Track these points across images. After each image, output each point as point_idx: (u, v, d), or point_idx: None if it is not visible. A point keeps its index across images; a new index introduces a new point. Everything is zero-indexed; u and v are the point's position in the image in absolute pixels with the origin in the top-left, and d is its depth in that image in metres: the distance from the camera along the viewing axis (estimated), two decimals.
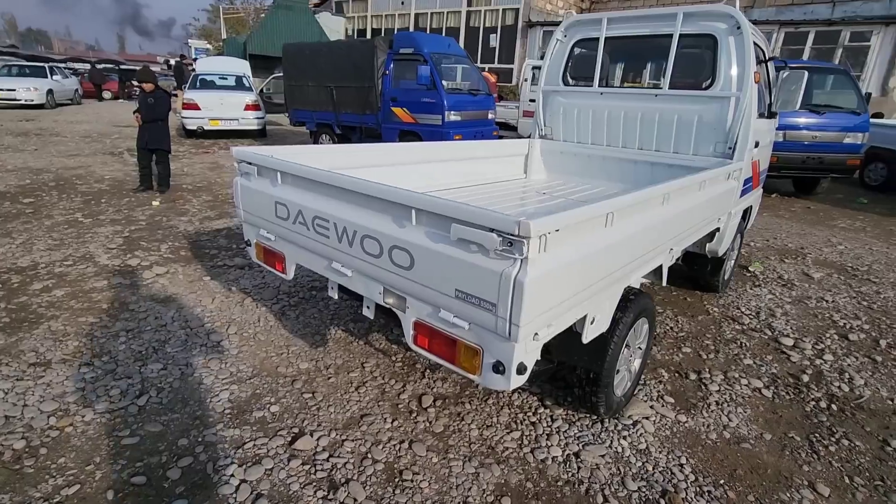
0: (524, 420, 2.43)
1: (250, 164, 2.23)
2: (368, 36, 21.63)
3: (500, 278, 1.32)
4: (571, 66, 3.99)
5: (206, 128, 11.28)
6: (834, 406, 2.69)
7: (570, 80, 4.02)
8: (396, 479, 2.03)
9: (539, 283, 1.31)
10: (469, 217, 1.36)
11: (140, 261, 4.16)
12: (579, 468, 2.14)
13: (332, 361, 2.84)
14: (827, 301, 4.08)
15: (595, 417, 2.44)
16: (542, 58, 15.73)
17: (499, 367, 1.44)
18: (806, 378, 2.94)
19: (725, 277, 4.06)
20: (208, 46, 31.21)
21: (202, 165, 8.58)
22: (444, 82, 7.98)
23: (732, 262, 4.16)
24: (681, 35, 3.32)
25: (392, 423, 2.37)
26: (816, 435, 2.45)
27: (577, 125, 4.05)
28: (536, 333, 1.43)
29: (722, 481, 2.12)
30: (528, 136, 8.74)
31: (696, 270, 3.89)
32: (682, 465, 2.19)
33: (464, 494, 1.98)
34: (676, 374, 2.91)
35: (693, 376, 2.89)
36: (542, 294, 1.35)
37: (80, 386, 2.49)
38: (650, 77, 3.96)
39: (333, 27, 21.95)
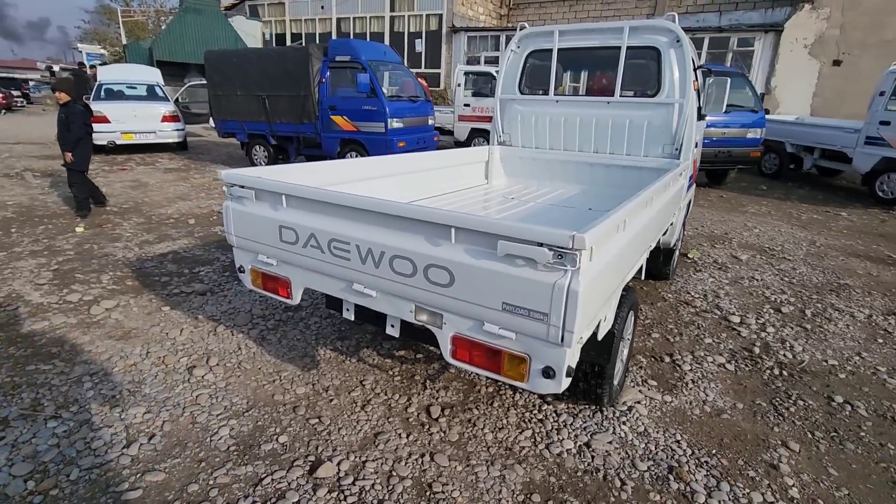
0: (531, 418, 2.54)
1: (246, 187, 2.13)
2: (288, 41, 20.90)
3: (553, 289, 1.41)
4: (527, 76, 4.18)
5: (117, 142, 10.35)
6: (784, 372, 3.07)
7: (527, 89, 4.22)
8: (427, 493, 2.05)
9: (588, 291, 1.41)
10: (517, 233, 1.43)
11: (81, 295, 3.77)
12: (593, 457, 2.29)
13: (329, 383, 2.78)
14: (757, 280, 4.62)
15: (594, 408, 2.61)
16: (468, 62, 16.03)
17: (549, 372, 1.52)
18: (757, 350, 3.33)
19: (674, 266, 4.46)
20: (103, 52, 28.42)
21: (122, 184, 7.87)
22: (383, 89, 7.95)
23: (678, 251, 4.58)
24: (628, 47, 3.61)
25: (408, 437, 2.37)
26: (777, 399, 2.80)
27: (534, 131, 4.25)
28: (581, 337, 1.54)
29: (714, 451, 2.36)
30: (467, 141, 8.70)
31: (651, 261, 4.24)
32: (678, 442, 2.41)
33: (496, 498, 2.04)
34: (653, 359, 3.17)
35: (667, 359, 3.17)
36: (590, 300, 1.45)
37: (54, 442, 2.24)
38: (602, 85, 4.25)
39: (249, 31, 20.96)
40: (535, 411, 2.59)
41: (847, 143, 8.26)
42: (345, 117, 8.21)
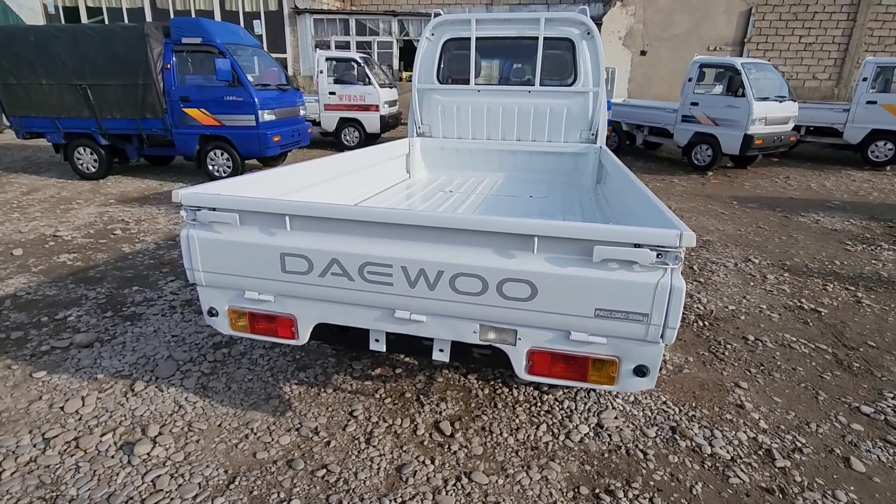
0: (539, 412, 2.55)
1: (221, 210, 1.66)
2: (84, 18, 17.14)
3: (656, 289, 1.40)
4: (445, 65, 4.08)
5: None
6: (706, 322, 3.60)
7: (445, 78, 4.12)
8: None
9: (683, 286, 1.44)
10: (617, 237, 1.38)
11: None
12: (610, 436, 2.40)
13: (314, 423, 2.42)
14: None
15: (586, 389, 2.73)
16: (317, 47, 15.10)
17: (643, 371, 1.52)
18: None
19: None
20: None
21: None
22: (249, 77, 7.05)
23: None
24: (545, 38, 3.75)
25: (433, 463, 2.19)
26: (713, 347, 3.27)
27: (456, 121, 4.19)
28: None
29: (694, 404, 2.67)
30: (336, 131, 8.21)
31: None
32: (665, 402, 2.66)
33: (547, 500, 2.01)
34: None
35: None
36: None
37: None
38: (522, 74, 4.36)
39: (24, 2, 16.60)
40: (539, 404, 2.61)
41: (668, 121, 9.91)
42: (203, 110, 7.09)
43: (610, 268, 1.43)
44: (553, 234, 1.44)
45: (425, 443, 2.32)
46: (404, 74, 15.73)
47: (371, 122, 10.64)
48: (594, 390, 2.71)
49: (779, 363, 3.09)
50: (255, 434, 2.33)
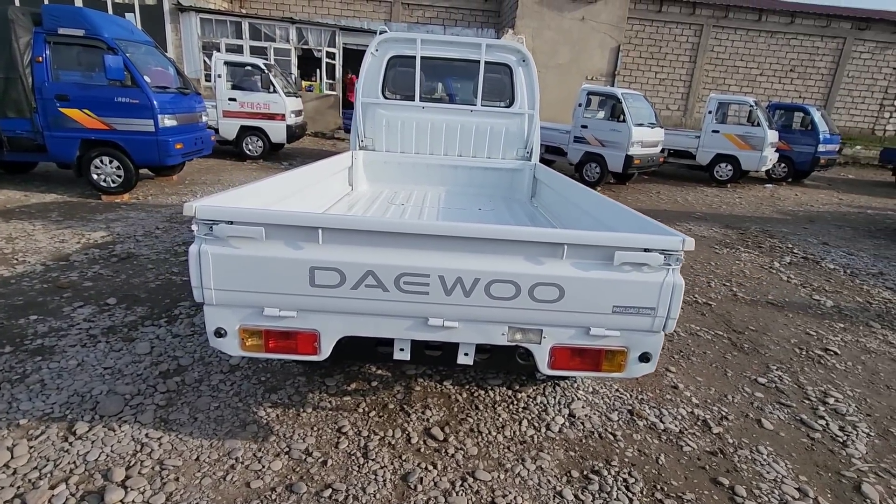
0: (517, 409, 2.75)
1: (242, 224, 1.56)
2: None
3: (661, 286, 1.66)
4: (389, 81, 4.16)
5: None
6: None
7: (390, 94, 4.20)
8: None
9: None
10: (635, 243, 1.61)
11: None
12: (582, 423, 2.67)
13: (303, 445, 2.33)
14: None
15: (551, 384, 2.99)
16: (204, 48, 13.92)
17: (646, 357, 1.77)
18: None
19: None
20: None
21: None
22: (145, 77, 6.37)
23: None
24: (486, 62, 4.04)
25: (436, 468, 2.26)
26: None
27: (400, 136, 4.29)
28: None
29: (640, 388, 3.07)
30: (237, 140, 8.04)
31: None
32: (618, 390, 3.02)
33: (548, 486, 2.20)
34: None
35: None
36: None
37: None
38: (464, 94, 4.57)
39: None
40: (515, 402, 2.81)
41: (562, 140, 10.99)
42: (86, 111, 6.23)
43: (626, 270, 1.67)
44: (580, 242, 1.64)
45: (422, 450, 2.37)
46: (304, 84, 15.26)
47: (277, 132, 10.16)
48: (597, 379, 2.97)
49: (692, 349, 3.66)
50: (242, 463, 2.18)
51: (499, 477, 2.23)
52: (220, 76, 9.73)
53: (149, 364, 2.87)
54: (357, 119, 4.21)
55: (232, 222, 1.61)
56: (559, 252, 1.66)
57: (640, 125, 9.97)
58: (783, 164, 12.62)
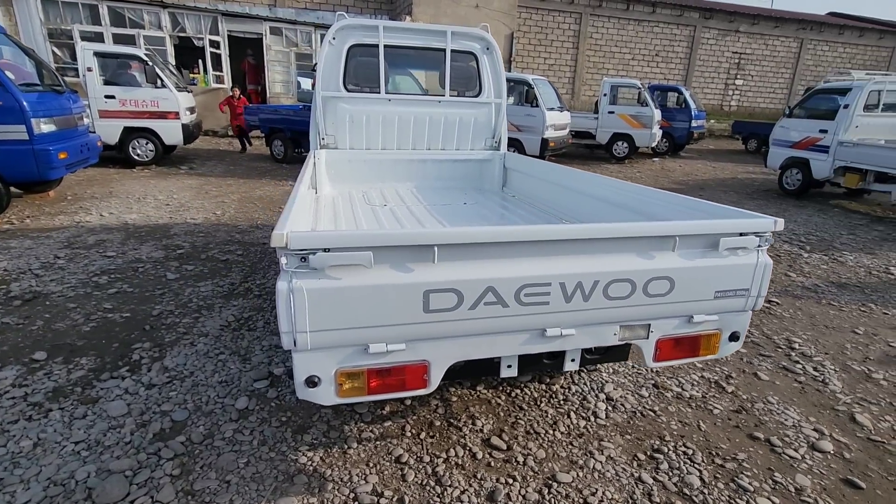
0: (557, 403, 2.74)
1: (348, 249, 1.27)
2: None
3: (755, 267, 1.72)
4: (351, 72, 3.83)
5: None
6: None
7: (353, 86, 3.87)
8: None
9: None
10: (738, 228, 1.64)
11: None
12: (622, 405, 2.74)
13: (367, 486, 2.09)
14: None
15: (567, 372, 3.02)
16: (51, 35, 11.91)
17: (736, 336, 1.84)
18: None
19: None
20: None
21: None
22: (7, 74, 5.16)
23: None
24: (451, 50, 3.90)
25: (515, 480, 2.16)
26: None
27: (365, 131, 3.99)
28: None
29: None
30: (121, 144, 7.34)
31: None
32: (635, 367, 3.16)
33: (627, 474, 2.22)
34: None
35: None
36: None
37: None
38: (431, 85, 4.32)
39: None
40: (553, 396, 2.79)
41: None
42: None
43: (725, 255, 1.71)
44: (690, 233, 1.64)
45: (492, 463, 2.26)
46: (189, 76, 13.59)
47: (170, 133, 8.93)
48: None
49: None
50: None
51: (578, 475, 2.20)
52: (90, 70, 8.25)
53: (134, 427, 2.35)
54: (317, 115, 3.82)
55: (328, 249, 1.33)
56: (670, 244, 1.64)
57: (552, 109, 10.48)
58: (665, 140, 14.15)
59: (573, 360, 1.85)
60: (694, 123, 13.93)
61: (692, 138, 14.15)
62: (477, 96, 4.13)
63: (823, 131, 8.43)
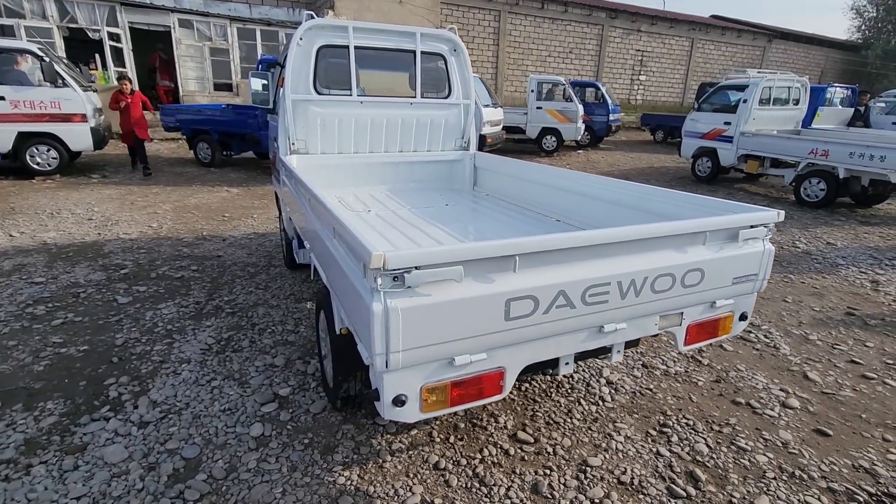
0: (567, 390, 2.89)
1: (441, 266, 1.26)
2: None
3: (763, 254, 1.94)
4: (321, 74, 3.68)
5: None
6: None
7: (323, 89, 3.73)
8: (631, 485, 2.18)
9: None
10: (755, 221, 1.85)
11: None
12: (623, 387, 2.95)
13: (415, 497, 2.08)
14: None
15: None
16: None
17: (744, 316, 2.06)
18: None
19: None
20: None
21: None
22: None
23: None
24: (422, 52, 3.89)
25: (552, 470, 2.27)
26: None
27: (337, 135, 3.87)
28: None
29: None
30: (14, 151, 6.86)
31: None
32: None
33: (645, 451, 2.41)
34: None
35: None
36: None
37: None
38: (402, 86, 4.23)
39: None
40: (560, 385, 2.94)
41: None
42: None
43: (740, 245, 1.91)
44: (717, 228, 1.82)
45: (525, 458, 2.34)
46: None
47: (77, 137, 7.96)
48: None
49: None
50: None
51: (605, 458, 2.35)
52: None
53: (142, 472, 2.14)
54: (287, 119, 3.63)
55: (418, 267, 1.31)
56: (701, 239, 1.81)
57: (487, 106, 10.73)
58: (586, 133, 15.07)
59: (619, 352, 1.98)
60: (612, 117, 14.97)
61: (610, 131, 15.20)
62: (446, 98, 4.16)
63: (728, 123, 9.48)
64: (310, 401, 2.67)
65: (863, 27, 30.28)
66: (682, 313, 1.95)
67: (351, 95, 3.76)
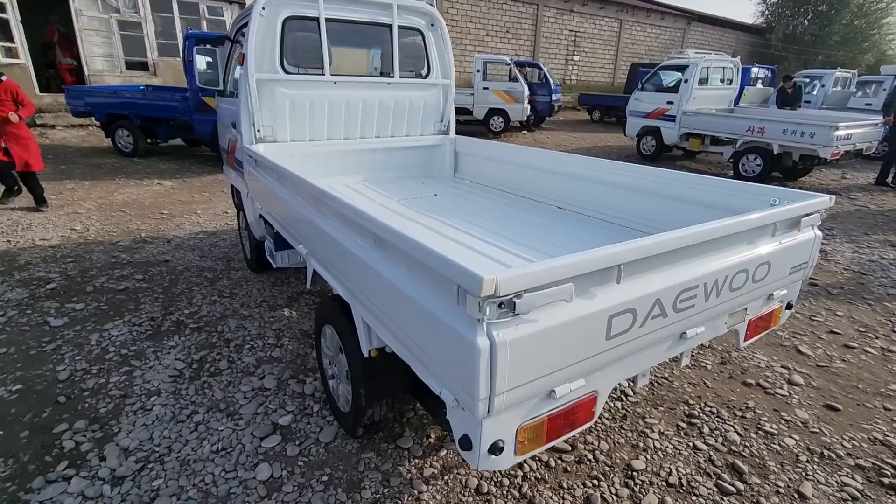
0: None
1: (550, 286, 1.01)
2: None
3: (814, 242, 1.87)
4: (288, 51, 3.22)
5: None
6: None
7: (290, 68, 3.27)
8: (671, 484, 2.10)
9: None
10: (812, 208, 1.75)
11: None
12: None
13: None
14: None
15: None
16: None
17: (790, 305, 1.99)
18: None
19: None
20: None
21: None
22: None
23: None
24: (399, 26, 3.53)
25: (599, 479, 2.13)
26: None
27: (309, 120, 3.44)
28: None
29: None
30: None
31: None
32: None
33: (682, 446, 2.34)
34: None
35: None
36: None
37: None
38: (378, 64, 3.79)
39: None
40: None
41: None
42: None
43: (794, 235, 1.83)
44: (784, 217, 1.70)
45: (568, 469, 2.19)
46: None
47: None
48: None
49: None
50: None
51: (647, 459, 2.25)
52: None
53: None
54: (250, 102, 3.15)
55: (530, 289, 1.06)
56: (770, 230, 1.70)
57: None
58: (530, 113, 15.14)
59: (687, 356, 1.85)
60: (554, 97, 15.11)
61: (553, 111, 15.36)
62: (426, 77, 3.83)
63: (670, 103, 9.82)
64: (317, 428, 2.34)
65: (766, 12, 32.77)
66: (746, 309, 1.85)
67: (323, 75, 3.33)
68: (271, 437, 2.26)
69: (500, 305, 1.04)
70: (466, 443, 1.22)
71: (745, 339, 1.92)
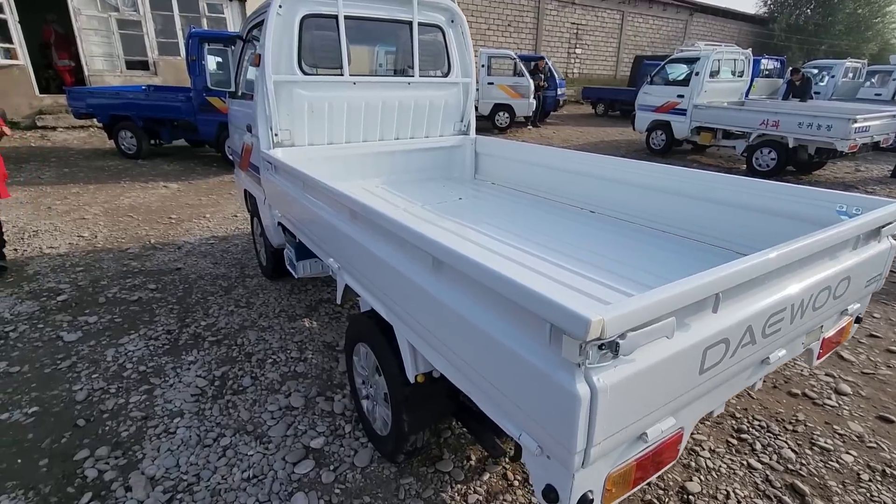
0: None
1: (653, 322, 0.89)
2: None
3: (890, 251, 1.74)
4: (306, 51, 3.08)
5: None
6: None
7: (309, 68, 3.13)
8: (727, 498, 1.98)
9: None
10: (891, 218, 1.62)
11: None
12: None
13: None
14: None
15: None
16: None
17: (859, 319, 1.87)
18: None
19: None
20: None
21: None
22: None
23: None
24: (419, 23, 3.38)
25: (655, 503, 2.02)
26: None
27: (328, 122, 3.30)
28: None
29: None
30: None
31: None
32: None
33: (737, 465, 2.22)
34: None
35: None
36: None
37: None
38: (396, 63, 3.65)
39: None
40: None
41: None
42: None
43: (875, 244, 1.70)
44: (869, 228, 1.57)
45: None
46: None
47: None
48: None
49: None
50: None
51: (702, 480, 2.14)
52: None
53: None
54: (268, 106, 3.01)
55: (635, 328, 0.93)
56: (851, 244, 1.57)
57: None
58: (536, 108, 14.95)
59: (761, 379, 1.72)
60: (559, 91, 14.94)
61: (558, 105, 15.18)
62: (446, 75, 3.68)
63: (681, 96, 9.65)
64: (350, 451, 2.22)
65: (769, 2, 32.42)
66: (821, 326, 1.72)
67: (342, 75, 3.19)
68: (304, 462, 2.14)
69: (600, 347, 0.92)
70: (552, 495, 1.09)
71: (817, 358, 1.79)
